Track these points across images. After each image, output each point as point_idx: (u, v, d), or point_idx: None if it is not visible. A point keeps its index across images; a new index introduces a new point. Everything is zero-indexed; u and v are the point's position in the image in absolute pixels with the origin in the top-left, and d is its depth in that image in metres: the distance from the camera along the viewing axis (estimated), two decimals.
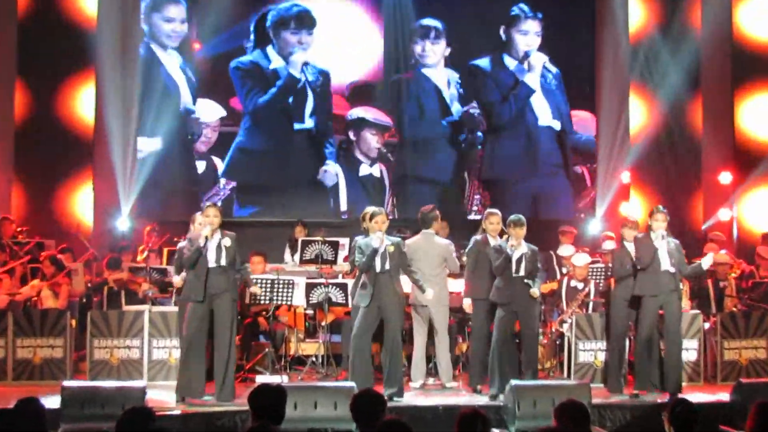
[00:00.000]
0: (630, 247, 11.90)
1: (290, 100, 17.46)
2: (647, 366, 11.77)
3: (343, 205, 17.63)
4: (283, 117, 17.48)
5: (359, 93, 17.83)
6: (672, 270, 11.52)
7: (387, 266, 11.30)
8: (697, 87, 17.78)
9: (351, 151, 17.65)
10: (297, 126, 17.49)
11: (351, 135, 17.66)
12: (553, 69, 17.93)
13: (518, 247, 11.47)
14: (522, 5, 17.81)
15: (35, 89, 16.59)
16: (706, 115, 17.81)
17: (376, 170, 17.66)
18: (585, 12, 18.11)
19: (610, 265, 12.98)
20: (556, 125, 17.97)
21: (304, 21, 17.47)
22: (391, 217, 12.35)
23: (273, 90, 17.33)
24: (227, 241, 11.15)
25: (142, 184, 16.82)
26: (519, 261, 11.48)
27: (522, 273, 11.46)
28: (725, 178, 17.33)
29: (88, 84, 16.75)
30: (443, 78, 17.92)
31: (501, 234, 11.95)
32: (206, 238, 11.02)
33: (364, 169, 17.69)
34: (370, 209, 12.17)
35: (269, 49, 17.40)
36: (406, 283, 12.11)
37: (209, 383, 11.27)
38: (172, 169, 17.22)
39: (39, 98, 16.58)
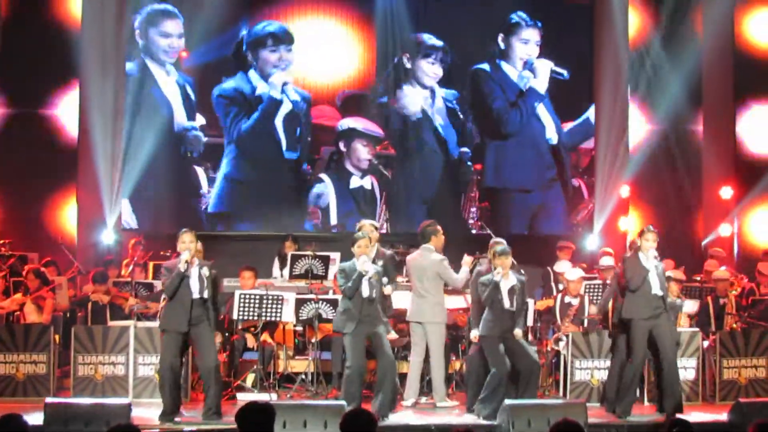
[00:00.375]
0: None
1: (275, 123, 17.35)
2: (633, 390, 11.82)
3: (334, 219, 17.50)
4: (270, 143, 17.37)
5: (351, 103, 17.76)
6: (660, 293, 11.47)
7: (374, 294, 11.30)
8: (698, 99, 17.81)
9: (341, 162, 17.54)
10: (287, 154, 17.45)
11: (341, 146, 17.53)
12: (564, 72, 17.82)
13: (506, 277, 11.41)
14: (521, 13, 17.78)
15: (16, 95, 16.53)
16: (707, 128, 17.85)
17: (367, 182, 17.54)
18: (583, 22, 18.09)
19: (608, 281, 12.99)
20: (555, 137, 17.95)
21: (281, 38, 17.38)
22: (383, 231, 12.25)
23: (256, 114, 17.25)
24: (206, 271, 11.12)
25: (127, 197, 16.79)
26: (510, 293, 11.38)
27: (514, 307, 11.37)
28: (726, 192, 17.36)
29: (73, 93, 16.70)
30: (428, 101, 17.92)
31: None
32: (186, 263, 10.98)
33: (355, 182, 17.56)
34: (365, 222, 12.23)
35: (251, 73, 17.31)
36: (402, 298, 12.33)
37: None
38: (160, 183, 17.12)
39: (20, 106, 16.52)
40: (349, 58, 17.81)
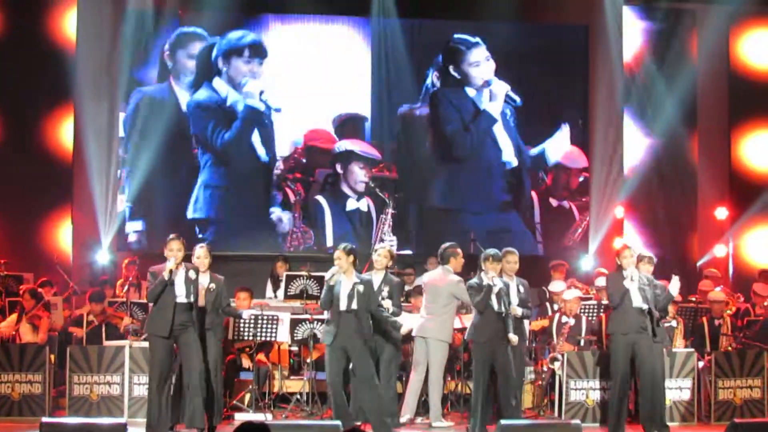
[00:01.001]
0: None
1: (254, 132, 17.55)
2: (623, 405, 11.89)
3: (330, 240, 17.56)
4: (250, 151, 17.56)
5: (346, 126, 17.92)
6: (644, 307, 11.53)
7: (353, 305, 11.27)
8: (693, 120, 17.92)
9: (338, 185, 17.67)
10: (264, 159, 17.65)
11: (338, 168, 17.68)
12: (516, 98, 17.93)
13: (495, 281, 11.59)
14: (459, 35, 18.08)
15: (11, 115, 16.69)
16: (702, 149, 17.96)
17: (364, 204, 17.68)
18: (578, 43, 18.23)
19: (604, 302, 13.16)
20: (514, 160, 18.08)
21: (257, 50, 17.58)
22: (378, 252, 12.33)
23: (237, 123, 17.44)
24: (192, 274, 11.15)
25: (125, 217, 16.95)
26: (499, 297, 11.59)
27: (503, 309, 11.55)
28: (721, 213, 17.48)
29: (68, 113, 16.84)
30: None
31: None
32: (171, 271, 10.98)
33: (351, 204, 17.70)
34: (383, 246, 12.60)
35: (217, 81, 17.47)
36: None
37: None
38: (157, 202, 17.30)
39: (15, 125, 16.67)
40: (344, 81, 17.97)
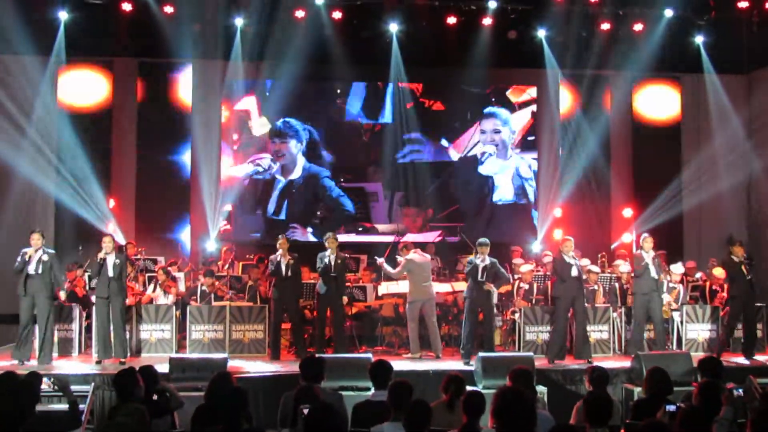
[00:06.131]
0: (645, 256, 12.23)
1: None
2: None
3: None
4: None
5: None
6: (577, 274, 11.89)
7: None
8: (608, 150, 17.66)
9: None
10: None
11: None
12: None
13: (484, 260, 11.61)
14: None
15: (150, 148, 16.55)
16: (614, 169, 17.70)
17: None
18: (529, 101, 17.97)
19: (548, 273, 13.10)
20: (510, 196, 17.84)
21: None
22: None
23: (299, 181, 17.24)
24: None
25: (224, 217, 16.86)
26: (483, 270, 11.62)
27: (485, 279, 11.62)
28: (627, 212, 17.36)
29: (187, 149, 16.69)
30: None
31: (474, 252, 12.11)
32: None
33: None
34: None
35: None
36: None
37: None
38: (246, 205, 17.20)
39: (151, 159, 16.54)
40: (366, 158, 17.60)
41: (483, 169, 17.64)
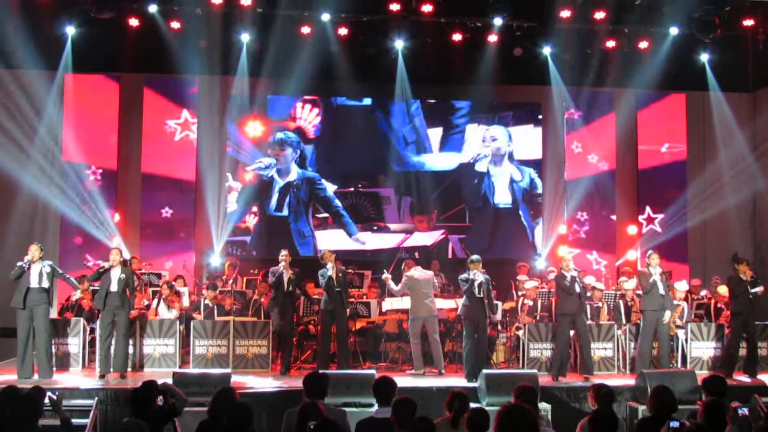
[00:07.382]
0: (653, 272, 12.06)
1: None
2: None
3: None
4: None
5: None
6: (578, 291, 11.78)
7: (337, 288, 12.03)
8: (612, 166, 17.62)
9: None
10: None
11: None
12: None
13: (476, 276, 11.63)
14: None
15: (153, 167, 16.56)
16: (619, 188, 17.66)
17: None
18: (534, 117, 17.95)
19: (552, 289, 13.05)
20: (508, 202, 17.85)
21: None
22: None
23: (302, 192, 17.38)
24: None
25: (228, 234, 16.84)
26: (479, 286, 11.57)
27: (481, 295, 11.58)
28: (632, 230, 17.32)
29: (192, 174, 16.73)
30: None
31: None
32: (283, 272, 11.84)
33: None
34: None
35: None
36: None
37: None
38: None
39: (158, 196, 16.57)
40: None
41: (478, 167, 17.71)
